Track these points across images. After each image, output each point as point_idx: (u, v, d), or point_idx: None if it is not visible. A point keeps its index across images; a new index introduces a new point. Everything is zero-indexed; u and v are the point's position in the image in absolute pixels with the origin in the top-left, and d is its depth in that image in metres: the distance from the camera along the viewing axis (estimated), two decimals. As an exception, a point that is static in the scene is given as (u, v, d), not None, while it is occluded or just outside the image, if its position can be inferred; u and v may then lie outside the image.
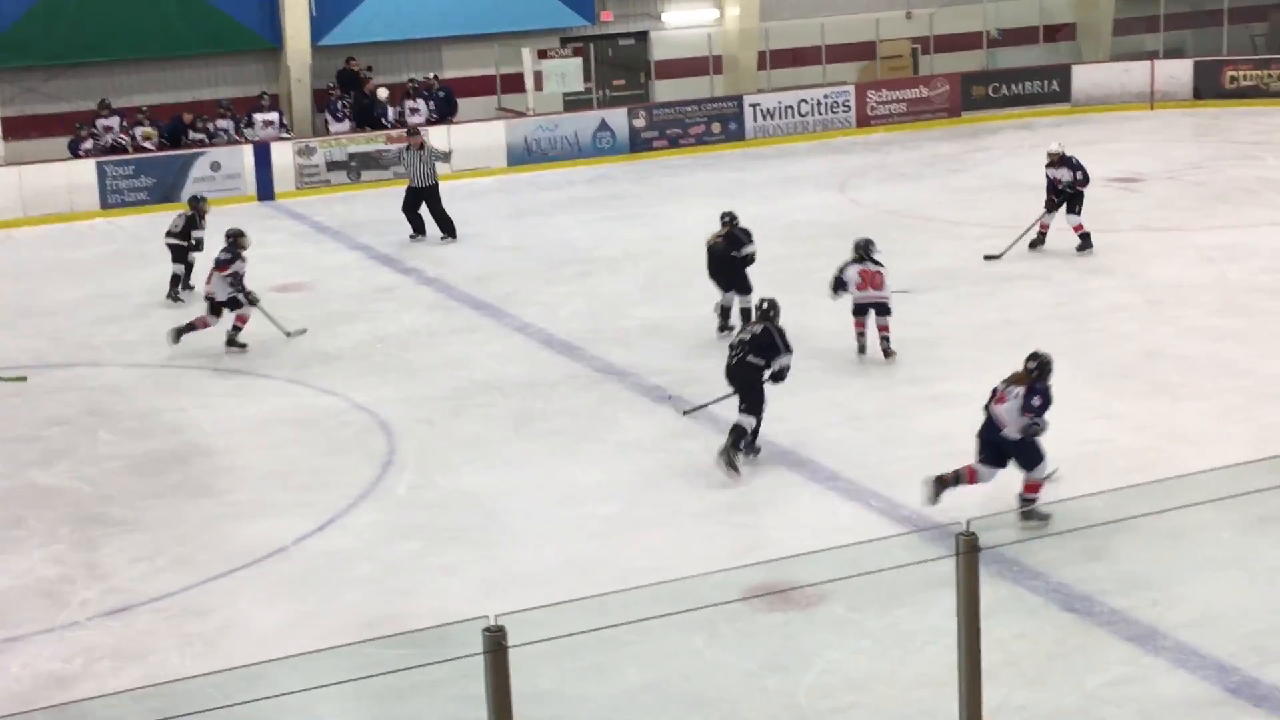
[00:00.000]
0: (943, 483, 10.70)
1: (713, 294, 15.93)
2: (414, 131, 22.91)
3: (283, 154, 25.82)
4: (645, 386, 14.41)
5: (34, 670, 9.45)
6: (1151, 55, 31.42)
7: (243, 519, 11.74)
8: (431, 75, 28.45)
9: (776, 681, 8.77)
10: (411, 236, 21.83)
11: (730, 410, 12.31)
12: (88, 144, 25.62)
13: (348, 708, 8.16)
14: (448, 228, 21.80)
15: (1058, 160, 18.49)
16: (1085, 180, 18.47)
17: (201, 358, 16.18)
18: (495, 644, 5.27)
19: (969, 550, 5.83)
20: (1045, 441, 10.63)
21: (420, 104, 27.53)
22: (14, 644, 9.80)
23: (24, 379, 15.63)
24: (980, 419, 10.72)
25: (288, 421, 14.04)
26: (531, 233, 22.02)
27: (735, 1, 30.78)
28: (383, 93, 27.60)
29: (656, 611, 6.14)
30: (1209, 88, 30.26)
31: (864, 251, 14.86)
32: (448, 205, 21.95)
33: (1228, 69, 30.45)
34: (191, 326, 16.36)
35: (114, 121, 26.17)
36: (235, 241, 16.57)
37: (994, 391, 10.74)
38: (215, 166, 25.52)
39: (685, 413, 13.36)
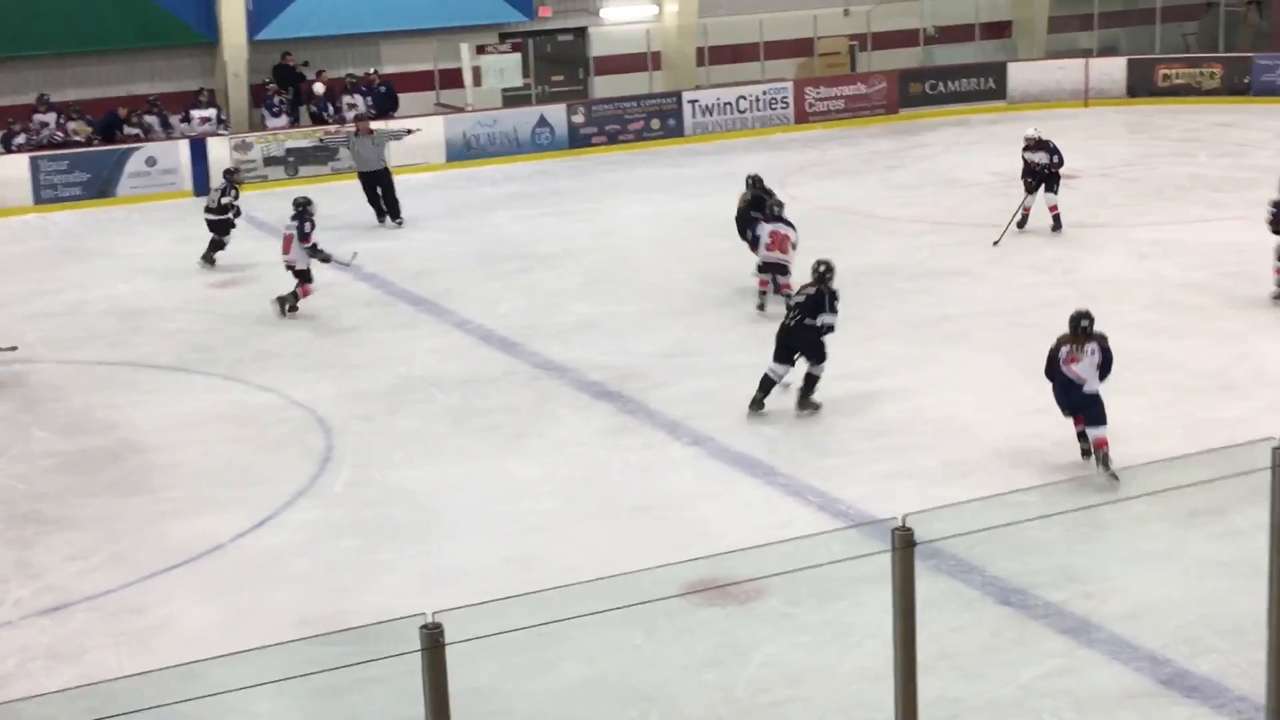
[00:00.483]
0: (1087, 452, 11.31)
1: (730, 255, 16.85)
2: (362, 118, 23.42)
3: (219, 149, 25.62)
4: (584, 382, 14.41)
5: (-33, 670, 9.34)
6: (1086, 53, 31.72)
7: (179, 516, 11.65)
8: (372, 70, 28.34)
9: (715, 676, 8.80)
10: (381, 222, 22.27)
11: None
12: (20, 138, 25.33)
13: (285, 705, 8.13)
14: (395, 212, 22.26)
15: (1035, 144, 19.41)
16: (1061, 162, 19.42)
17: (136, 353, 16.07)
18: (433, 641, 5.27)
19: (904, 545, 5.87)
20: (986, 430, 11.89)
21: (358, 99, 27.38)
22: (-54, 644, 9.69)
23: (14, 349, 15.88)
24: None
25: (224, 418, 13.94)
26: (470, 228, 21.97)
27: (674, -3, 30.85)
28: (319, 87, 27.45)
29: (595, 607, 6.14)
30: (1142, 86, 30.57)
31: (777, 211, 16.14)
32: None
33: (1161, 67, 30.76)
34: (295, 295, 17.11)
35: (50, 118, 25.87)
36: (305, 210, 17.08)
37: (1053, 359, 11.24)
38: (151, 162, 25.30)
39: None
